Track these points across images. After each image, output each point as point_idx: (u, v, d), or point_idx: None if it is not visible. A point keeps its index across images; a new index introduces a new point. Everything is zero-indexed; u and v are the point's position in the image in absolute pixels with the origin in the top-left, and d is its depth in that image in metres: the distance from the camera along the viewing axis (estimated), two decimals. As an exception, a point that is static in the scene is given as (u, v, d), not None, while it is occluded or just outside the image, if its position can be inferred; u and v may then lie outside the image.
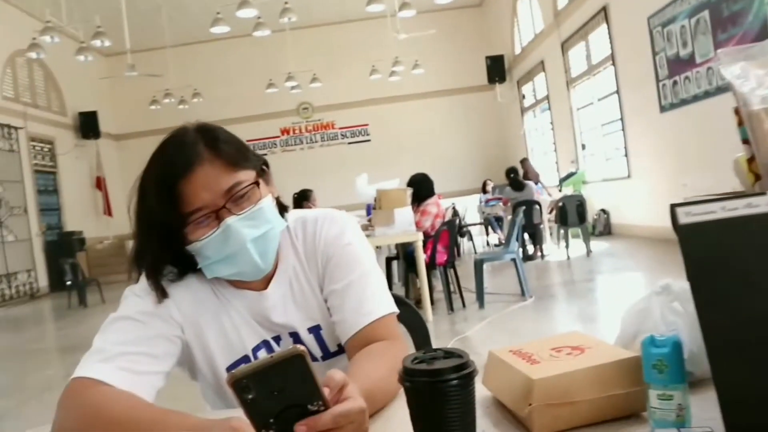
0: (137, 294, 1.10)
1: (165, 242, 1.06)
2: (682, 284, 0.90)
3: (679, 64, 7.77)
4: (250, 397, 0.67)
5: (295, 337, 1.17)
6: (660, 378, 0.73)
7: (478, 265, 5.73)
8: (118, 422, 0.85)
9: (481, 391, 0.91)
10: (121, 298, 1.12)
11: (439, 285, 6.00)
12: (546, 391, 0.77)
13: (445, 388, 0.71)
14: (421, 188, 6.04)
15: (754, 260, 0.71)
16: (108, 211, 15.68)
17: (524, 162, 11.76)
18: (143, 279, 1.10)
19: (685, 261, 0.73)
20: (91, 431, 0.89)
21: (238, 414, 0.71)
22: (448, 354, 0.76)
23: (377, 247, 6.63)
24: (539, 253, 8.71)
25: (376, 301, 1.14)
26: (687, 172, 7.60)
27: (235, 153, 1.06)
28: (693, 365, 0.81)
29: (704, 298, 0.71)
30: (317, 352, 1.18)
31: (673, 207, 0.76)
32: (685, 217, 0.75)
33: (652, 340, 0.74)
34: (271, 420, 0.68)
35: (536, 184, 11.29)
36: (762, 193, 0.76)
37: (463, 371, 0.72)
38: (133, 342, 1.03)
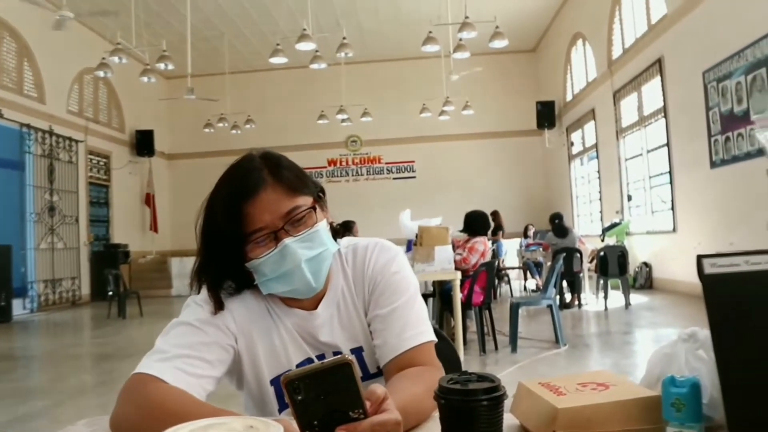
0: (198, 303, 1.19)
1: (227, 258, 1.15)
2: (707, 333, 0.95)
3: (733, 121, 7.71)
4: (299, 398, 0.74)
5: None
6: (677, 416, 0.78)
7: (514, 309, 5.72)
8: (172, 415, 0.93)
9: (509, 419, 0.96)
10: (183, 305, 1.21)
11: (473, 326, 5.99)
12: (569, 420, 0.82)
13: (475, 407, 0.78)
14: (477, 225, 6.12)
15: (773, 312, 0.77)
16: (154, 227, 16.11)
17: (495, 214, 11.72)
18: (204, 290, 1.19)
19: (707, 308, 0.79)
20: (146, 421, 0.97)
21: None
22: (482, 378, 0.82)
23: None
24: (577, 302, 8.62)
25: (419, 328, 1.21)
26: (734, 230, 7.49)
27: (295, 180, 1.16)
28: (712, 410, 0.85)
29: (723, 343, 0.77)
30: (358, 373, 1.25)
31: (699, 258, 0.82)
32: (710, 267, 0.81)
33: (672, 380, 0.80)
34: (315, 422, 0.75)
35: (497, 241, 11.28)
36: (785, 251, 0.82)
37: (493, 393, 0.79)
38: (191, 346, 1.12)
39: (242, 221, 1.11)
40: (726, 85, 7.84)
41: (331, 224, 1.24)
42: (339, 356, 0.76)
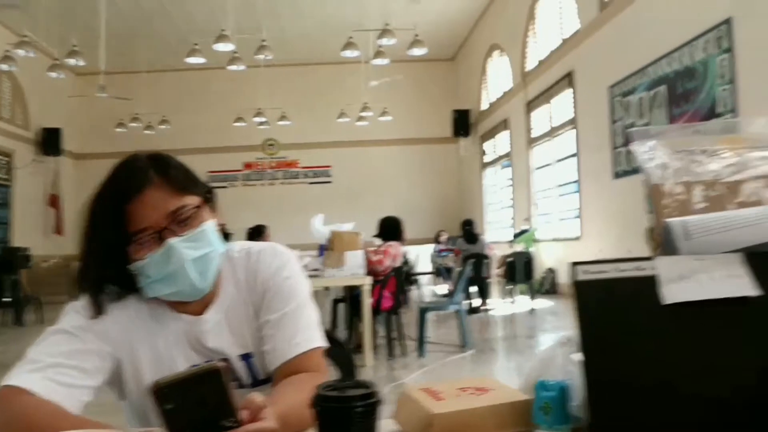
0: (76, 310, 1.13)
1: (109, 261, 1.10)
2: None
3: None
4: (169, 407, 0.71)
5: (226, 363, 1.20)
6: (545, 419, 0.80)
7: (422, 314, 5.77)
8: (40, 429, 0.88)
9: (391, 426, 0.96)
10: (62, 313, 1.15)
11: (382, 330, 6.02)
12: (445, 425, 0.83)
13: (350, 413, 0.77)
14: (391, 230, 6.16)
15: (637, 315, 0.80)
16: (59, 229, 15.33)
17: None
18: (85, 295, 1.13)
19: (577, 312, 0.81)
20: None
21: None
22: (359, 384, 0.82)
23: (326, 288, 6.65)
24: (485, 307, 8.81)
25: (308, 334, 1.19)
26: (633, 238, 7.83)
27: (183, 178, 1.13)
28: (583, 412, 0.89)
29: (589, 346, 0.79)
30: (247, 379, 1.22)
31: (573, 265, 0.84)
32: (582, 274, 0.84)
33: (542, 384, 0.82)
34: None
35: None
36: (650, 258, 0.86)
37: (368, 400, 0.78)
38: (65, 355, 1.06)
39: (126, 221, 1.07)
40: (629, 100, 8.24)
41: (222, 226, 1.21)
42: (208, 363, 0.74)
